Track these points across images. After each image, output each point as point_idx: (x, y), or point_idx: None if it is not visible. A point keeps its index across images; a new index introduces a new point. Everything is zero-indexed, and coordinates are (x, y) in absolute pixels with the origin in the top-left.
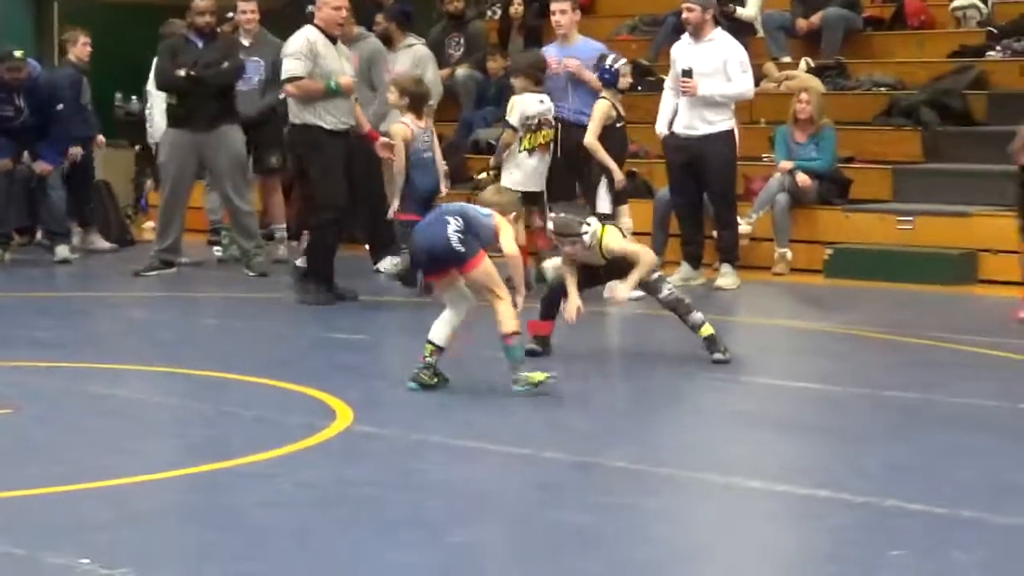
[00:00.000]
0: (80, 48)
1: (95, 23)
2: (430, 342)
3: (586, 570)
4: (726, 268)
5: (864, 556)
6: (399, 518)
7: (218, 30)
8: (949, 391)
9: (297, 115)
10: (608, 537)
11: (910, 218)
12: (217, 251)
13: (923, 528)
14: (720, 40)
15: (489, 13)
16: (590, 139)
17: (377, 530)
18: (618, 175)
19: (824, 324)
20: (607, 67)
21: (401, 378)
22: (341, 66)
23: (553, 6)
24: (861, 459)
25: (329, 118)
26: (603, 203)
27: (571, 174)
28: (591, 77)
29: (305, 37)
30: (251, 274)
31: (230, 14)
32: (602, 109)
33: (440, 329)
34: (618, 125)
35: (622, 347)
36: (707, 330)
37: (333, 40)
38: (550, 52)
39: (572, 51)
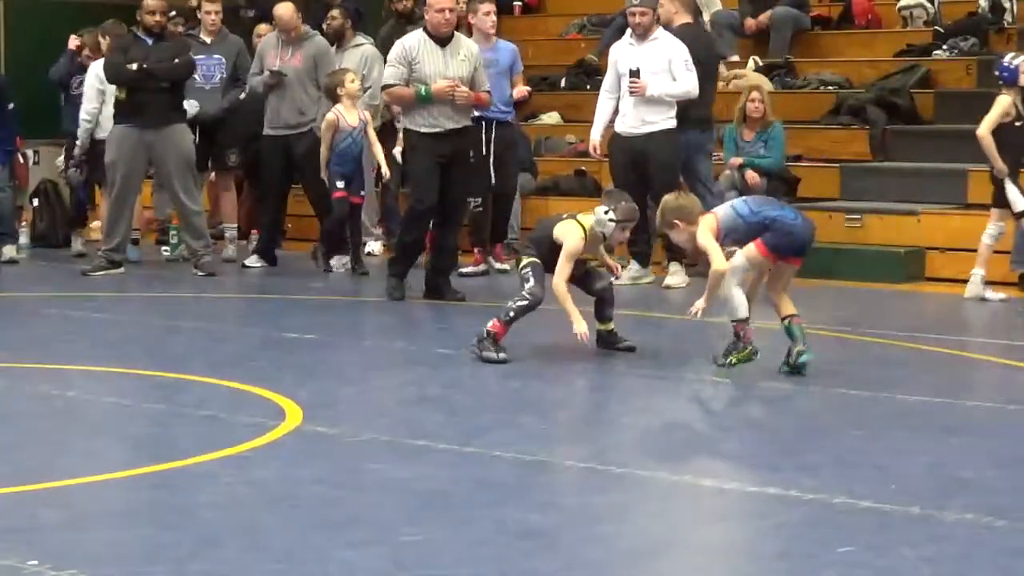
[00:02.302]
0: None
1: (43, 22)
2: (748, 318)
3: (536, 569)
4: (674, 267)
5: (813, 553)
6: (349, 517)
7: (167, 29)
8: (897, 388)
9: (400, 119)
10: (558, 536)
11: (858, 216)
12: (165, 251)
13: (871, 525)
14: (663, 39)
15: None
16: (982, 131)
17: (327, 529)
18: (999, 175)
19: (773, 322)
20: (1006, 65)
21: (349, 377)
22: (444, 68)
23: (488, 7)
24: (810, 456)
25: (421, 120)
26: (1018, 200)
27: (497, 171)
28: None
29: (402, 44)
30: (200, 274)
31: (172, 12)
32: (1002, 105)
33: (745, 302)
34: (1017, 124)
35: (572, 346)
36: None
37: (443, 41)
38: None
39: (491, 53)
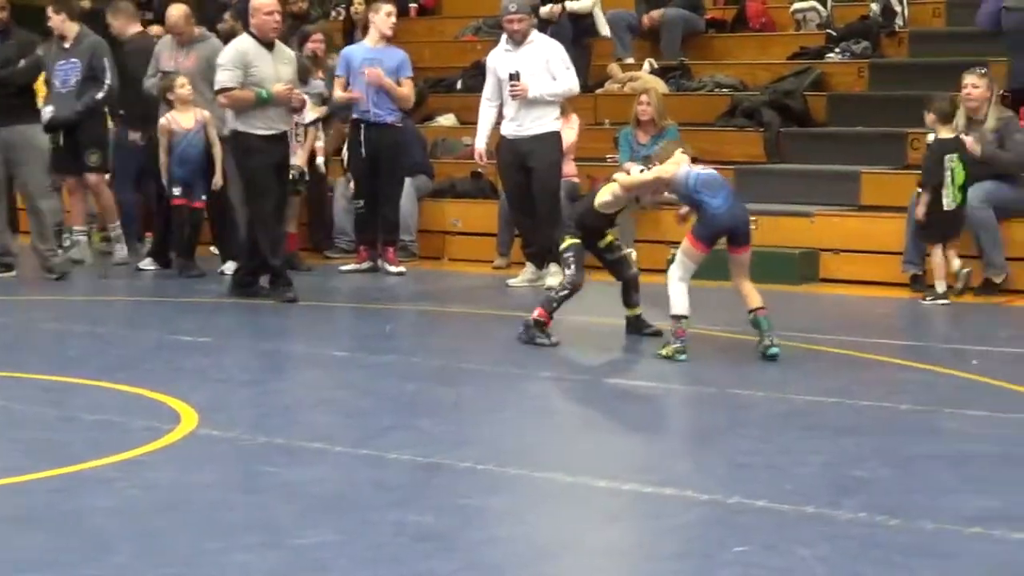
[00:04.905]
0: None
1: None
2: (686, 317)
3: (433, 571)
4: (555, 268)
5: (709, 552)
6: (244, 521)
7: (11, 26)
8: (791, 388)
9: (230, 123)
10: (455, 538)
11: (752, 218)
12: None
13: (767, 524)
14: (539, 41)
15: (334, 13)
16: None
17: (222, 533)
18: None
19: (668, 324)
20: None
21: (244, 380)
22: (276, 73)
23: (390, 8)
24: (706, 457)
25: (259, 124)
26: None
27: (375, 172)
28: (391, 84)
29: (235, 47)
30: (52, 277)
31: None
32: None
33: (687, 301)
34: None
35: (468, 348)
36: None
37: (270, 46)
38: (355, 51)
39: (377, 54)
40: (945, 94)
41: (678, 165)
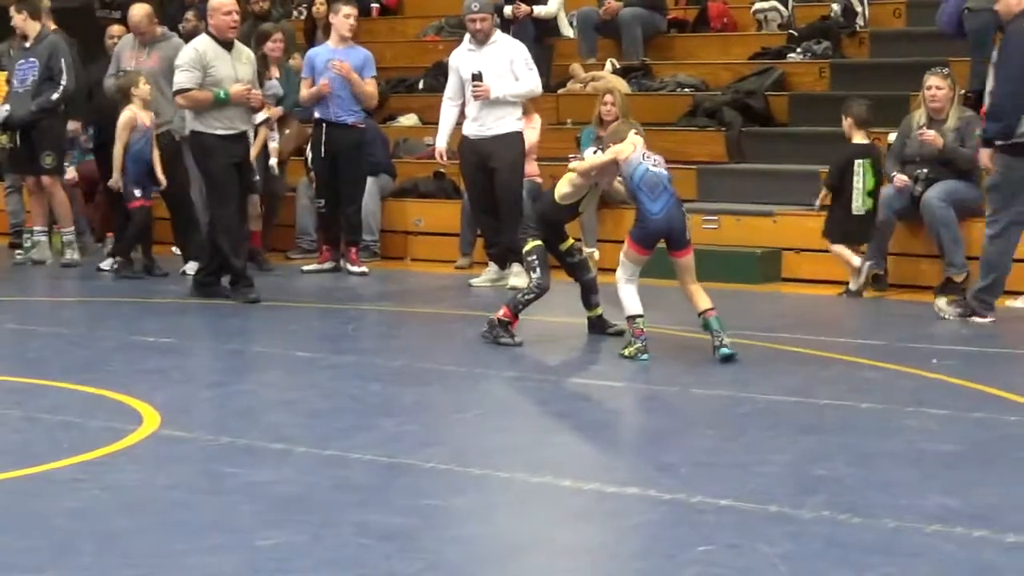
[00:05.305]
0: None
1: None
2: (640, 316)
3: (396, 571)
4: (517, 268)
5: (672, 552)
6: (207, 522)
7: None
8: (753, 388)
9: (189, 123)
10: (418, 538)
11: (714, 218)
12: (19, 254)
13: (730, 523)
14: (502, 41)
15: (296, 13)
16: None
17: (184, 534)
18: None
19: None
20: None
21: (207, 381)
22: (234, 72)
23: (349, 10)
24: (669, 456)
25: (218, 124)
26: None
27: (337, 173)
28: (357, 79)
29: (194, 48)
30: None
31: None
32: None
33: (638, 301)
34: None
35: (431, 348)
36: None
37: (228, 46)
38: (319, 53)
39: (341, 54)
40: (862, 101)
41: (634, 146)
